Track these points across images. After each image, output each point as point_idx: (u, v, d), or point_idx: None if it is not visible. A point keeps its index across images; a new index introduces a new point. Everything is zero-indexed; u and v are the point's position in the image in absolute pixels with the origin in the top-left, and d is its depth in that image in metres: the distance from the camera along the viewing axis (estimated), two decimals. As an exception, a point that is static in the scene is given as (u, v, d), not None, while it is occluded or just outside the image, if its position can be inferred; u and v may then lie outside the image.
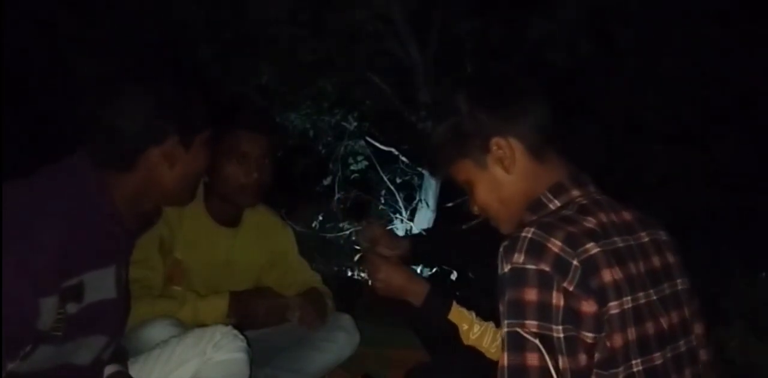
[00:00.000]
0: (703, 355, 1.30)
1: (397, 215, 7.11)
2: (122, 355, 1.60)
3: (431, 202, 6.88)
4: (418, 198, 7.02)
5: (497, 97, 1.30)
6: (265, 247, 2.15)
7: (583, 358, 1.10)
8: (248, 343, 1.75)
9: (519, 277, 1.11)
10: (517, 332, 1.11)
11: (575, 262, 1.11)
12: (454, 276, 6.49)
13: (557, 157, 1.30)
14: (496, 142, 1.26)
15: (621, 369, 1.14)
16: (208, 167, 1.64)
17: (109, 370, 1.51)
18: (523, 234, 1.13)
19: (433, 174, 1.91)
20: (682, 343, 1.25)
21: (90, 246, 1.33)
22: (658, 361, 1.19)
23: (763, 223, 5.59)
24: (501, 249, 1.15)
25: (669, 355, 1.21)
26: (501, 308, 1.14)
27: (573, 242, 1.12)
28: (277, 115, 6.75)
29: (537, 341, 1.09)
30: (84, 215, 1.33)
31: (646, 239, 1.26)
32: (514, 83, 1.35)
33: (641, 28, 5.86)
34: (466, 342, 1.67)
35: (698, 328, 1.31)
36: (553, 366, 1.09)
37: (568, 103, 5.70)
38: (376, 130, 7.11)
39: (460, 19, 6.35)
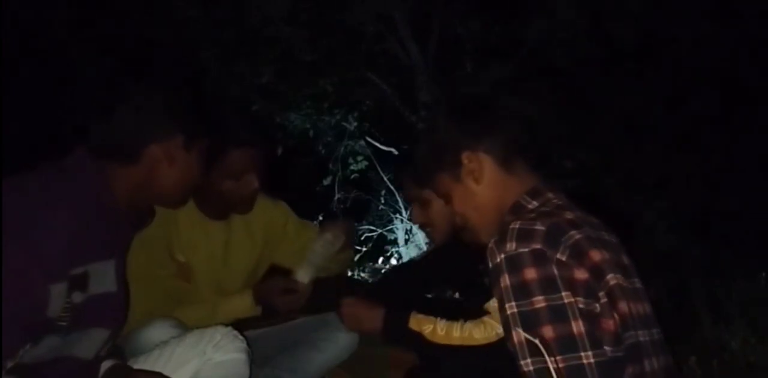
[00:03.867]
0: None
1: (397, 215, 7.11)
2: (119, 353, 1.61)
3: (431, 202, 6.87)
4: (418, 198, 7.01)
5: (468, 115, 1.43)
6: (261, 229, 2.17)
7: (600, 322, 1.15)
8: (248, 343, 1.75)
9: (514, 262, 1.18)
10: (526, 312, 1.15)
11: (562, 240, 1.19)
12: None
13: (524, 167, 1.40)
14: (466, 156, 1.38)
15: (627, 335, 1.19)
16: (202, 181, 1.67)
17: (107, 364, 1.52)
18: (511, 227, 1.21)
19: (407, 193, 2.03)
20: (655, 331, 1.31)
21: (94, 237, 1.35)
22: (643, 338, 1.24)
23: (763, 223, 5.58)
24: (491, 244, 1.22)
25: (647, 338, 1.26)
26: (498, 296, 1.19)
27: (557, 229, 1.20)
28: (277, 115, 6.76)
29: (548, 314, 1.14)
30: (88, 206, 1.36)
31: (614, 240, 1.35)
32: (487, 102, 1.48)
33: (641, 28, 5.86)
34: (436, 340, 1.77)
35: None
36: (570, 335, 1.13)
37: (567, 103, 5.71)
38: (376, 130, 7.11)
39: (460, 19, 6.35)
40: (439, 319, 1.80)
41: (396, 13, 6.25)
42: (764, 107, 5.88)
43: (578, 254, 1.18)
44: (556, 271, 1.15)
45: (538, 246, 1.17)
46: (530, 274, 1.16)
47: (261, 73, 6.28)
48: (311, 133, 7.01)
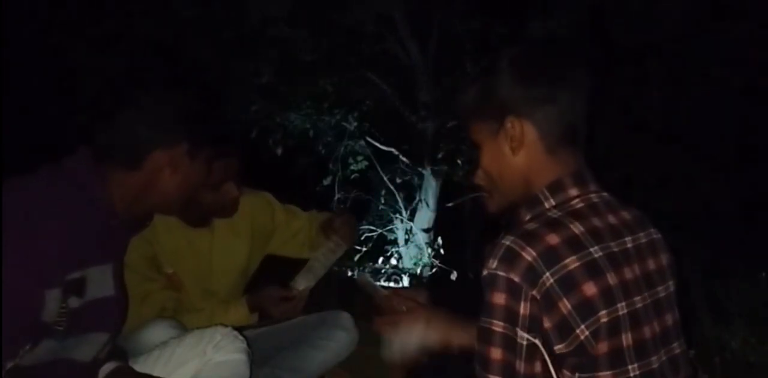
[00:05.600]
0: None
1: (397, 215, 7.10)
2: (121, 354, 1.60)
3: (431, 202, 6.87)
4: (418, 198, 7.02)
5: (535, 74, 1.25)
6: (245, 227, 2.16)
7: (538, 366, 1.13)
8: (248, 344, 1.75)
9: (491, 281, 1.14)
10: (486, 328, 1.15)
11: (547, 275, 1.11)
12: (453, 276, 6.50)
13: (570, 152, 1.27)
14: (510, 120, 1.24)
15: (609, 373, 1.14)
16: (188, 205, 1.66)
17: (109, 366, 1.51)
18: (503, 241, 1.15)
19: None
20: (676, 344, 1.26)
21: (91, 241, 1.35)
22: (655, 365, 1.19)
23: (763, 223, 5.58)
24: (489, 247, 1.17)
25: (665, 357, 1.22)
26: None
27: (550, 257, 1.12)
28: (277, 115, 6.75)
29: (500, 339, 1.14)
30: (85, 210, 1.35)
31: (644, 241, 1.26)
32: (561, 65, 1.29)
33: (641, 28, 5.86)
34: None
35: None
36: (512, 365, 1.13)
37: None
38: (376, 130, 7.10)
39: (460, 19, 6.35)
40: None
41: (396, 13, 6.24)
42: (765, 107, 5.87)
43: (566, 289, 1.11)
44: (522, 310, 1.11)
45: (516, 278, 1.11)
46: (499, 299, 1.13)
47: (261, 73, 6.27)
48: (311, 133, 6.99)
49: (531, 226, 1.17)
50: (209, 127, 1.51)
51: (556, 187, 1.24)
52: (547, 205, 1.23)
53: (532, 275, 1.11)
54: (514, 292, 1.11)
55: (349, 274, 6.64)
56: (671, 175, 6.16)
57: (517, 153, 1.25)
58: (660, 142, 6.14)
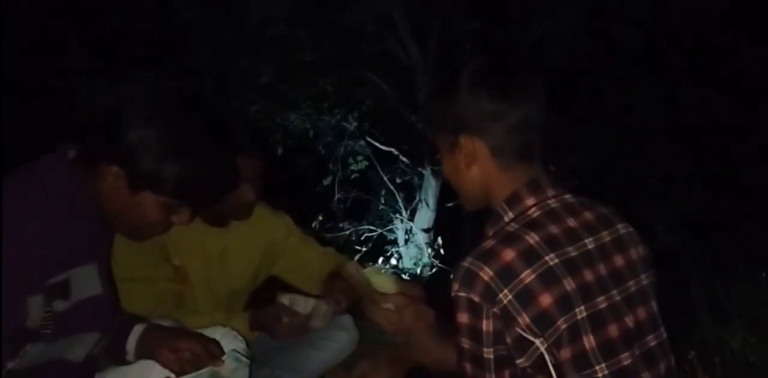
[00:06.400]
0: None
1: (397, 215, 7.11)
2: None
3: (431, 202, 6.88)
4: (418, 198, 7.02)
5: (486, 92, 1.26)
6: (260, 238, 2.15)
7: (507, 374, 1.19)
8: (248, 343, 1.75)
9: (456, 302, 1.20)
10: (458, 345, 1.23)
11: (505, 292, 1.15)
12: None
13: (525, 164, 1.28)
14: (464, 137, 1.27)
15: (587, 372, 1.17)
16: None
17: (139, 328, 1.55)
18: (464, 263, 1.20)
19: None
20: (651, 337, 1.27)
21: (73, 242, 1.32)
22: (626, 362, 1.21)
23: (763, 223, 5.58)
24: (452, 276, 1.23)
25: (638, 352, 1.23)
26: None
27: (506, 274, 1.16)
28: (277, 115, 6.76)
29: (469, 355, 1.21)
30: (63, 212, 1.31)
31: (608, 239, 1.27)
32: (512, 82, 1.28)
33: (641, 28, 5.86)
34: None
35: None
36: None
37: (567, 103, 5.71)
38: (376, 130, 7.10)
39: (460, 19, 6.35)
40: None
41: (396, 13, 6.25)
42: (765, 107, 5.87)
43: (524, 303, 1.15)
44: (484, 327, 1.17)
45: (476, 299, 1.17)
46: (462, 318, 1.19)
47: (261, 73, 6.28)
48: (311, 133, 7.00)
49: (489, 243, 1.21)
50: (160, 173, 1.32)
51: (512, 200, 1.27)
52: (506, 219, 1.27)
53: (490, 294, 1.16)
54: (475, 311, 1.17)
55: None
56: (671, 175, 6.17)
57: (470, 168, 1.29)
58: (660, 142, 6.15)
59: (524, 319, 1.15)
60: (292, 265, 2.22)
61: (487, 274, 1.16)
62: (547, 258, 1.18)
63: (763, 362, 2.87)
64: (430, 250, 6.79)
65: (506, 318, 1.15)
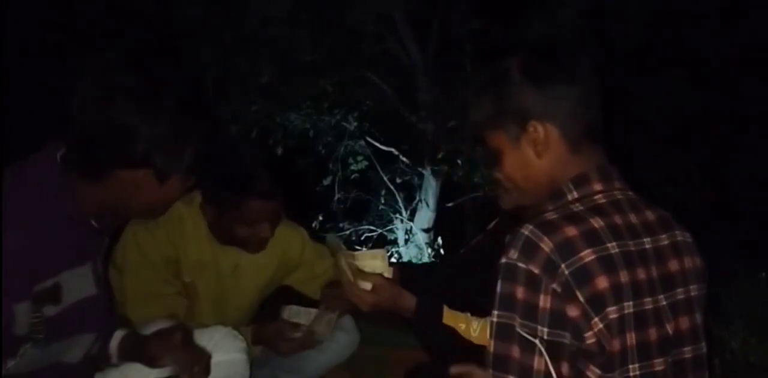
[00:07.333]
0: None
1: (397, 215, 7.10)
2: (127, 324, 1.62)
3: (431, 202, 6.87)
4: (418, 198, 7.02)
5: (547, 75, 1.24)
6: (274, 255, 2.14)
7: (564, 365, 1.10)
8: (247, 344, 1.75)
9: (510, 272, 1.12)
10: (506, 324, 1.12)
11: (563, 267, 1.10)
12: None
13: (592, 147, 1.26)
14: (533, 125, 1.23)
15: (616, 373, 1.13)
16: (220, 227, 1.87)
17: (119, 334, 1.56)
18: (522, 230, 1.13)
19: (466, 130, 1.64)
20: (688, 349, 1.24)
21: (60, 246, 1.29)
22: (659, 367, 1.18)
23: (763, 222, 5.58)
24: (509, 236, 1.15)
25: (671, 360, 1.20)
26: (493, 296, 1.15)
27: (566, 248, 1.11)
28: (277, 115, 6.75)
29: (520, 337, 1.11)
30: (50, 215, 1.28)
31: (666, 242, 1.24)
32: (568, 63, 1.26)
33: (641, 28, 5.85)
34: (470, 339, 1.67)
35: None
36: (534, 365, 1.10)
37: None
38: (376, 130, 7.10)
39: (460, 19, 6.35)
40: (469, 316, 1.70)
41: (396, 13, 6.25)
42: (765, 107, 5.87)
43: (580, 281, 1.10)
44: (541, 303, 1.09)
45: (536, 270, 1.10)
46: (519, 293, 1.11)
47: (261, 73, 6.27)
48: (311, 133, 7.00)
49: (551, 216, 1.16)
50: (181, 154, 1.35)
51: (580, 181, 1.23)
52: (569, 198, 1.22)
53: (551, 267, 1.10)
54: (533, 283, 1.10)
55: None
56: (671, 175, 6.16)
57: (543, 156, 1.24)
58: (660, 141, 6.14)
59: (579, 297, 1.09)
60: (305, 277, 2.23)
61: (548, 245, 1.10)
62: (609, 245, 1.14)
63: (763, 362, 2.86)
64: (430, 250, 6.78)
65: (563, 295, 1.09)
